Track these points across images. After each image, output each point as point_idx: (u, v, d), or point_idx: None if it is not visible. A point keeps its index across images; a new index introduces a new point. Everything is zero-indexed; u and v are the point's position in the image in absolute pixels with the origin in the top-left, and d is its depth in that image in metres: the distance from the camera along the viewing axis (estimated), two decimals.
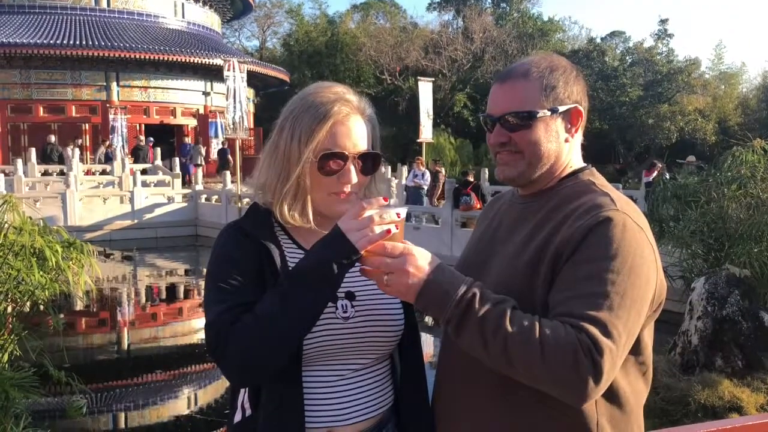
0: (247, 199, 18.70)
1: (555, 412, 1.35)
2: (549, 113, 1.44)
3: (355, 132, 1.47)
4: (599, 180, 1.51)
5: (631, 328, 1.28)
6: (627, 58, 42.09)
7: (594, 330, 1.21)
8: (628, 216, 1.35)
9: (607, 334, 1.22)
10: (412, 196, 18.15)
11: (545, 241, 1.37)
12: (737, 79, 43.27)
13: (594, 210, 1.35)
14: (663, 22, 41.00)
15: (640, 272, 1.30)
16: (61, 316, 5.96)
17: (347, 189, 1.47)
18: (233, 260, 1.43)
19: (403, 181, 21.18)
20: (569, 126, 1.48)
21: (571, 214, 1.38)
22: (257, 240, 1.45)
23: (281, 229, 1.54)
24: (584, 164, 1.54)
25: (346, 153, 1.45)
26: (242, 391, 1.48)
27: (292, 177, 1.45)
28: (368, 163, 1.49)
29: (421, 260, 1.29)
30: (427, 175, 18.52)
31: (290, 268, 1.45)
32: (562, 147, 1.48)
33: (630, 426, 1.42)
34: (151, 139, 26.39)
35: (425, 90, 25.89)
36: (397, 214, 1.31)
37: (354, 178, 1.46)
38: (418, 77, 29.08)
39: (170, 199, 21.41)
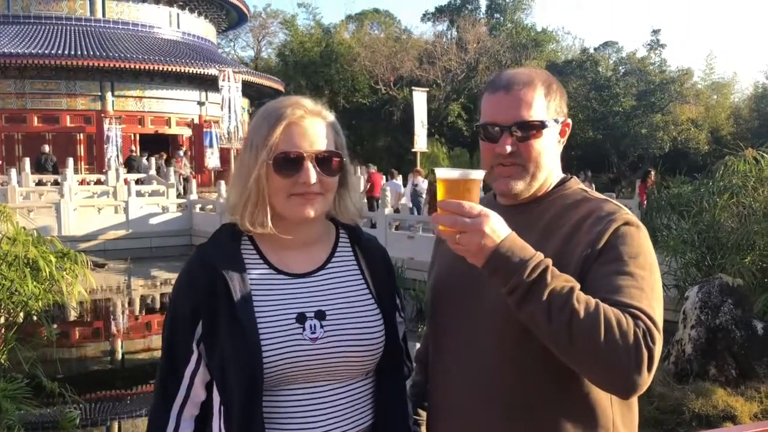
0: None
1: (575, 413, 1.39)
2: (555, 124, 1.49)
3: (311, 132, 1.43)
4: (587, 187, 1.56)
5: (662, 321, 1.33)
6: (620, 68, 42.26)
7: (646, 318, 1.26)
8: (637, 219, 1.43)
9: (654, 324, 1.27)
10: (414, 205, 18.26)
11: (560, 250, 1.38)
12: (729, 89, 43.48)
13: (609, 215, 1.41)
14: (655, 32, 41.20)
15: (657, 270, 1.39)
16: (55, 326, 5.94)
17: (309, 190, 1.42)
18: (176, 323, 1.46)
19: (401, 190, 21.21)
20: (560, 138, 1.53)
21: (582, 222, 1.42)
22: (216, 271, 1.42)
23: (253, 247, 1.50)
24: (563, 174, 1.58)
25: (302, 152, 1.42)
26: (214, 415, 1.44)
27: (247, 184, 1.42)
28: (329, 163, 1.44)
29: (497, 224, 1.28)
30: (423, 185, 18.54)
31: (251, 290, 1.42)
32: (555, 159, 1.53)
33: (633, 423, 1.48)
34: (185, 150, 25.96)
35: (420, 100, 25.99)
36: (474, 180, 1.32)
37: (313, 177, 1.41)
38: (413, 87, 29.17)
39: (165, 209, 21.37)
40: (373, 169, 21.07)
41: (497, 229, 1.28)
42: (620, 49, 43.62)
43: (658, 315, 1.30)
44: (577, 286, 1.28)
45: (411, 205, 18.36)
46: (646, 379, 1.24)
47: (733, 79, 45.25)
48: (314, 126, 1.45)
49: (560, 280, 1.27)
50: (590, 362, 1.25)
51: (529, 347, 1.38)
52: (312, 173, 1.41)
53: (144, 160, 25.14)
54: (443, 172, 1.33)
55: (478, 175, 1.32)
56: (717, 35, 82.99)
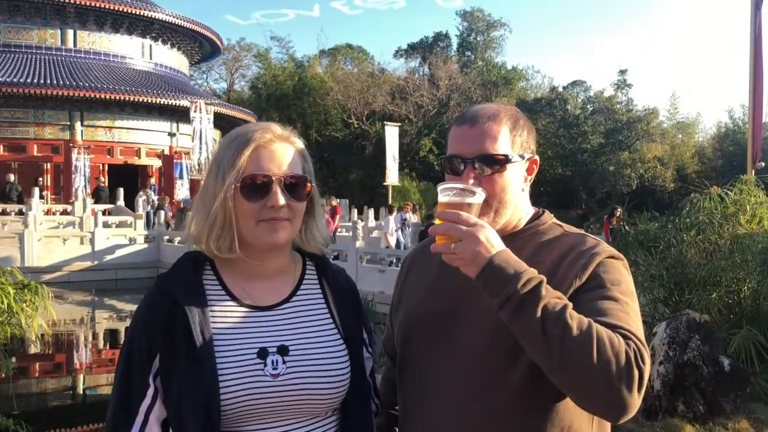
0: None
1: None
2: (520, 159, 1.46)
3: (280, 156, 1.40)
4: (560, 222, 1.56)
5: None
6: (588, 106, 43.21)
7: (636, 339, 1.26)
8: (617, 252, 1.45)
9: (644, 345, 1.27)
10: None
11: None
12: (693, 129, 44.64)
13: (591, 249, 1.42)
14: (622, 72, 42.32)
15: (636, 299, 1.40)
16: (13, 360, 5.75)
17: (278, 215, 1.38)
18: (132, 359, 1.37)
19: (371, 223, 21.20)
20: (526, 175, 1.51)
21: (564, 257, 1.42)
22: (176, 303, 1.36)
23: (215, 278, 1.45)
24: (534, 208, 1.57)
25: (270, 175, 1.38)
26: None
27: (213, 207, 1.37)
28: (297, 188, 1.41)
29: (492, 236, 1.29)
30: (410, 219, 18.55)
31: (214, 324, 1.37)
32: (520, 195, 1.49)
33: None
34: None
35: (392, 134, 26.23)
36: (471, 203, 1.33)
37: (281, 200, 1.37)
38: (385, 122, 29.45)
39: (132, 241, 21.06)
40: (335, 201, 21.16)
41: (492, 240, 1.28)
42: (588, 88, 44.69)
43: (644, 338, 1.30)
44: (570, 304, 1.27)
45: (402, 240, 18.15)
46: (637, 401, 1.22)
47: (697, 119, 46.52)
48: (283, 150, 1.42)
49: (553, 296, 1.26)
50: (582, 380, 1.23)
51: (511, 377, 1.37)
52: (280, 197, 1.37)
53: (152, 194, 24.39)
54: (444, 188, 1.34)
55: (479, 196, 1.33)
56: (681, 76, 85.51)
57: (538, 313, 1.23)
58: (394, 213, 19.01)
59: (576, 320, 1.23)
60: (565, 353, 1.21)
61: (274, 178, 1.38)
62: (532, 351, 1.27)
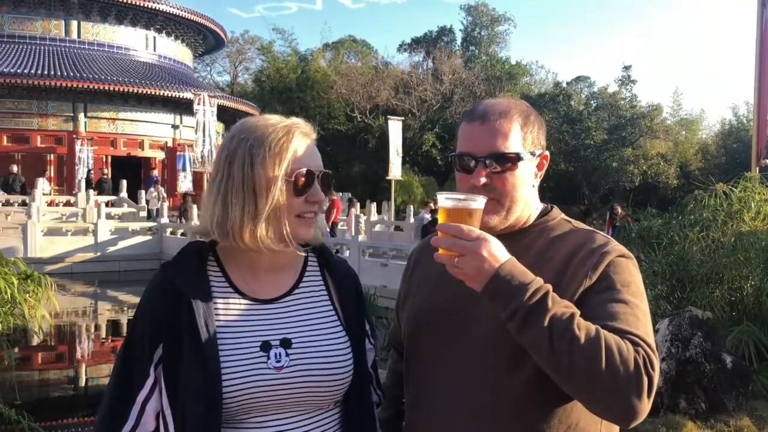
0: None
1: None
2: (531, 156, 1.45)
3: (315, 151, 1.45)
4: (568, 217, 1.55)
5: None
6: (592, 102, 43.05)
7: (645, 345, 1.26)
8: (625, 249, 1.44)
9: (653, 350, 1.26)
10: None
11: (554, 282, 1.34)
12: (697, 126, 44.51)
13: (602, 248, 1.41)
14: (626, 68, 42.13)
15: (646, 299, 1.39)
16: (16, 350, 5.76)
17: (314, 209, 1.42)
18: (135, 350, 1.38)
19: (373, 217, 21.19)
20: (537, 171, 1.50)
21: (574, 254, 1.41)
22: (180, 294, 1.37)
23: (219, 270, 1.45)
24: (542, 204, 1.56)
25: (313, 170, 1.40)
26: None
27: (265, 202, 1.36)
28: (325, 182, 1.44)
29: (496, 248, 1.26)
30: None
31: (217, 316, 1.37)
32: (530, 192, 1.49)
33: None
34: None
35: (395, 129, 26.19)
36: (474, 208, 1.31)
37: (323, 195, 1.42)
38: (388, 116, 29.38)
39: (135, 232, 21.09)
40: (335, 195, 21.15)
41: (496, 252, 1.26)
42: (592, 83, 44.50)
43: (654, 342, 1.30)
44: (577, 312, 1.26)
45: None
46: (647, 406, 1.22)
47: (701, 116, 46.40)
48: (314, 145, 1.45)
49: (561, 306, 1.25)
50: (591, 389, 1.23)
51: (518, 375, 1.36)
52: (321, 192, 1.42)
53: (163, 191, 23.91)
54: (445, 198, 1.31)
55: (480, 203, 1.31)
56: (686, 72, 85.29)
57: (545, 326, 1.22)
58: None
59: (584, 330, 1.22)
60: (574, 363, 1.21)
61: (316, 174, 1.41)
62: (540, 361, 1.26)
